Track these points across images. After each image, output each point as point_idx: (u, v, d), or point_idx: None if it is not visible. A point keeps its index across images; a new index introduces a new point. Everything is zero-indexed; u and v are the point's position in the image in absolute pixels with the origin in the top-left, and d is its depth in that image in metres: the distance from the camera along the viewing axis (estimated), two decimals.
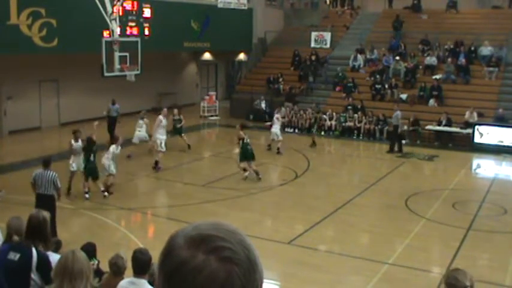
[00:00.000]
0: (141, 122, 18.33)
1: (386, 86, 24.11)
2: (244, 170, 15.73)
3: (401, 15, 28.75)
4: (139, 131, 18.23)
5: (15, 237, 4.96)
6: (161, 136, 16.82)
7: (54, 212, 9.57)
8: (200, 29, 26.24)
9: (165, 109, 18.29)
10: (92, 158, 13.44)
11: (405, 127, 21.75)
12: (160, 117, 17.11)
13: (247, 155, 15.54)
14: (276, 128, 19.37)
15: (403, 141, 21.29)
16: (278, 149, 19.17)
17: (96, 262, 6.61)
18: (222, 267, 1.12)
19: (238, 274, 1.13)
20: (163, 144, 16.74)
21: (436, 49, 25.84)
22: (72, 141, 13.77)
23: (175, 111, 19.51)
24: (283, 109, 24.02)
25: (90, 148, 13.50)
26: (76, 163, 13.75)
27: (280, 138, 19.28)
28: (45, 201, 9.80)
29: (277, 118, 19.71)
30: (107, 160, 13.93)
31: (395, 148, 19.87)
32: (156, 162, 16.59)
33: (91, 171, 13.45)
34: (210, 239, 1.15)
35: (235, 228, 1.20)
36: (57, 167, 14.49)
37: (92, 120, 17.72)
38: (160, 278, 1.18)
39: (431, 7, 28.88)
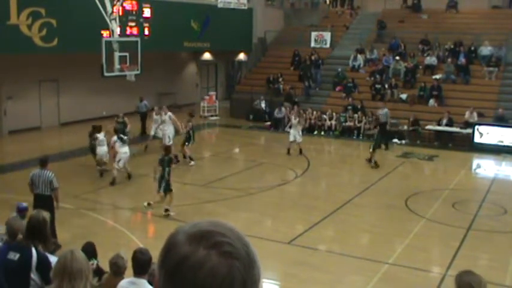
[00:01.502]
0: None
1: (386, 86, 24.11)
2: (191, 158, 17.37)
3: (387, 16, 28.78)
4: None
5: (20, 236, 4.97)
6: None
7: (53, 212, 9.53)
8: (200, 29, 26.24)
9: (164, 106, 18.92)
10: (166, 171, 12.46)
11: (405, 127, 21.82)
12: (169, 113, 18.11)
13: (190, 140, 17.29)
14: (294, 130, 18.88)
15: (403, 141, 21.38)
16: (300, 150, 18.89)
17: (96, 262, 6.61)
18: (223, 261, 1.14)
19: (239, 268, 1.15)
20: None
21: (436, 49, 25.85)
22: (97, 135, 15.22)
23: (121, 114, 18.91)
24: (282, 109, 24.05)
25: (169, 159, 12.74)
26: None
27: (300, 140, 18.83)
28: (43, 202, 9.74)
29: (299, 122, 19.19)
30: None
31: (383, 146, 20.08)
32: (176, 156, 17.14)
33: (168, 187, 12.51)
34: (210, 234, 1.17)
35: (233, 226, 1.23)
36: (58, 167, 14.56)
37: (91, 120, 17.79)
38: (161, 275, 1.19)
39: (431, 7, 28.90)
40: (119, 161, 14.86)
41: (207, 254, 1.14)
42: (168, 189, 12.46)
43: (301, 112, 21.91)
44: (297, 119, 19.27)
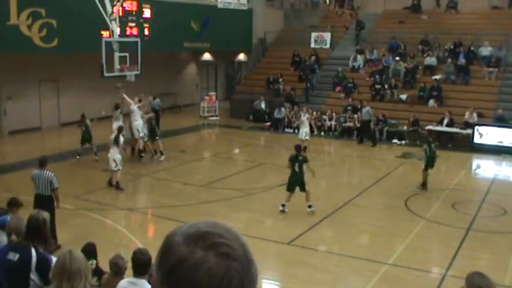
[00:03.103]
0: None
1: (386, 87, 24.12)
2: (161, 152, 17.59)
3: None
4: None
5: (14, 237, 4.95)
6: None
7: (53, 212, 9.52)
8: (200, 29, 26.25)
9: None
10: (297, 168, 12.38)
11: (405, 127, 21.82)
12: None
13: (155, 133, 17.62)
14: (305, 128, 19.52)
15: (403, 142, 21.37)
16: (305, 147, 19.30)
17: (95, 262, 6.61)
18: (220, 262, 1.14)
19: (237, 269, 1.15)
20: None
21: (436, 49, 25.86)
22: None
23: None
24: (282, 109, 24.06)
25: (303, 159, 12.47)
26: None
27: (308, 137, 19.59)
28: (43, 202, 9.74)
29: (307, 118, 19.98)
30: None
31: (370, 143, 21.03)
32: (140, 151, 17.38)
33: (303, 187, 12.45)
34: (208, 236, 1.18)
35: (230, 226, 1.23)
36: (58, 167, 14.56)
37: (91, 120, 17.77)
38: (159, 275, 1.19)
39: (431, 7, 28.89)
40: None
41: (204, 255, 1.14)
42: (303, 189, 12.49)
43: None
44: (306, 115, 19.87)
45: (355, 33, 28.27)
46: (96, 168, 16.56)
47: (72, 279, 3.69)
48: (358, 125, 22.28)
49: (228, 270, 1.14)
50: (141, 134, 17.18)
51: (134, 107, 17.38)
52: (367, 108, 21.41)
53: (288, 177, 12.65)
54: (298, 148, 12.75)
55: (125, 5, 20.25)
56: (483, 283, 4.00)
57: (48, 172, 10.22)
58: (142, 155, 17.25)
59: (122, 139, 14.55)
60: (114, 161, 14.08)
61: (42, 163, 10.40)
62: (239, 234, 1.22)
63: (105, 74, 16.39)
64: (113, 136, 14.52)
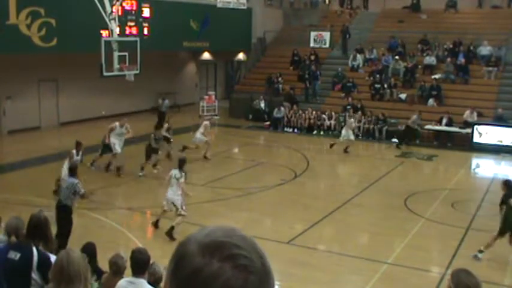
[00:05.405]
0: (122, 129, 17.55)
1: (386, 86, 24.12)
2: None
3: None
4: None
5: (13, 238, 4.95)
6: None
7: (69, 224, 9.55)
8: (199, 29, 26.24)
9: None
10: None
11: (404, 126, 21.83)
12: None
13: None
14: (347, 131, 19.54)
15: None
16: (347, 148, 19.64)
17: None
18: (237, 275, 1.11)
19: (254, 282, 1.12)
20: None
21: (435, 49, 25.87)
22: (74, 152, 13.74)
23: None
24: (282, 109, 24.05)
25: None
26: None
27: (352, 138, 19.59)
28: (62, 212, 9.75)
29: (352, 122, 20.19)
30: None
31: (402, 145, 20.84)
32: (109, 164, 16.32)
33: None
34: (225, 246, 1.14)
35: (246, 234, 1.19)
36: (57, 166, 14.54)
37: (90, 120, 17.73)
38: (173, 284, 1.15)
39: (431, 7, 28.91)
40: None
41: (221, 267, 1.11)
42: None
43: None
44: (351, 119, 20.19)
45: (341, 41, 27.80)
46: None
47: (70, 283, 3.64)
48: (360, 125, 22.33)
49: (245, 283, 1.11)
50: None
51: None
52: (415, 116, 20.83)
53: (507, 219, 10.44)
54: (510, 183, 10.60)
55: (124, 4, 20.22)
56: (470, 282, 3.91)
57: (73, 179, 10.03)
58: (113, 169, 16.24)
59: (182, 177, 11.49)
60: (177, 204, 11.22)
61: (72, 170, 10.24)
62: (256, 243, 1.18)
63: (105, 74, 16.37)
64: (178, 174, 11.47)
